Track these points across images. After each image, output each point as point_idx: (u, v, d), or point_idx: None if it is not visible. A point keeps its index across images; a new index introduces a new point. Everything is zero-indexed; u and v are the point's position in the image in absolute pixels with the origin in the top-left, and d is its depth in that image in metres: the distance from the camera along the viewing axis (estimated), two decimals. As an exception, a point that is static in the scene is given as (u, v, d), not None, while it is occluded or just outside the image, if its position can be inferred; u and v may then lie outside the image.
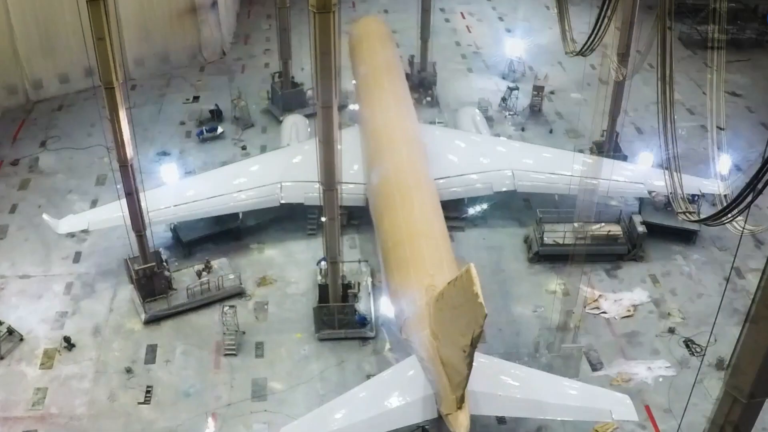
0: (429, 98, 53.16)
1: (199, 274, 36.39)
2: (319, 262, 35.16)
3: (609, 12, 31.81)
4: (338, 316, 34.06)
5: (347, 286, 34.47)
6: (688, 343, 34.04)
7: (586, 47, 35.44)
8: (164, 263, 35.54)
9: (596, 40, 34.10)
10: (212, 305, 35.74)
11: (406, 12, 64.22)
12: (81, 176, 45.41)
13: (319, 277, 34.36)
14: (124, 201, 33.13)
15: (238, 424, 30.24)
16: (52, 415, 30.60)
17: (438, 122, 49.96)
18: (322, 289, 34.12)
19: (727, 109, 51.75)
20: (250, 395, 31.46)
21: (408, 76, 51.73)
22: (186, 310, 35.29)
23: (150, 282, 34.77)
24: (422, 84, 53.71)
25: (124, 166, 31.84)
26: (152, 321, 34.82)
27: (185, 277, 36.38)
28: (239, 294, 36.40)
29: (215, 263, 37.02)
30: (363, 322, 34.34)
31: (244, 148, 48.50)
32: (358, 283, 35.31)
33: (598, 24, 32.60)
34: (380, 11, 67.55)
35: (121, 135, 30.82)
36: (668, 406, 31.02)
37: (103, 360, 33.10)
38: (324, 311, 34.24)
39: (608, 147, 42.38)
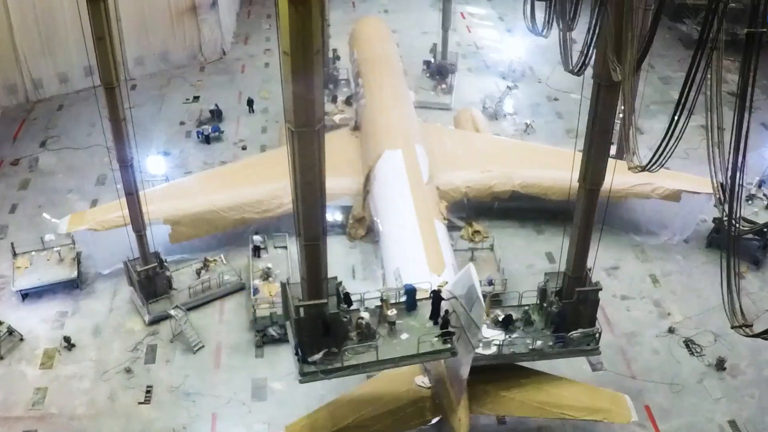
0: (444, 86, 53.54)
1: (198, 273, 36.45)
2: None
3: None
4: None
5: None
6: (688, 343, 34.06)
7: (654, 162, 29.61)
8: (164, 263, 35.49)
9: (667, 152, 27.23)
10: (213, 303, 35.84)
11: (406, 12, 64.42)
12: (81, 176, 45.44)
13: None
14: (124, 200, 33.08)
15: (238, 424, 30.25)
16: (52, 415, 30.59)
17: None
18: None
19: (727, 110, 52.08)
20: (250, 395, 31.47)
21: (429, 64, 53.51)
22: (188, 309, 35.13)
23: (152, 283, 34.69)
24: (440, 72, 53.97)
25: (125, 166, 31.82)
26: (155, 322, 34.74)
27: (184, 276, 36.43)
28: (240, 289, 36.37)
29: (215, 260, 37.13)
30: None
31: (244, 148, 48.50)
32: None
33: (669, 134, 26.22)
34: (380, 11, 67.56)
35: (121, 135, 30.80)
36: (668, 406, 31.07)
37: (103, 360, 33.10)
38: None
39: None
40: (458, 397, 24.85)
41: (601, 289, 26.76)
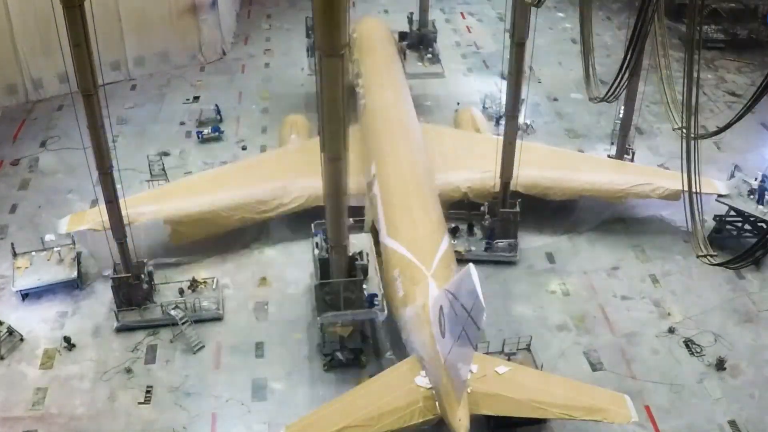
0: (430, 55, 52.46)
1: (181, 292, 35.31)
2: (316, 234, 31.60)
3: (633, 57, 30.51)
4: (344, 294, 29.61)
5: (353, 259, 30.11)
6: (688, 343, 34.05)
7: (610, 94, 34.56)
8: (144, 275, 34.51)
9: (620, 86, 33.05)
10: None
11: (406, 12, 64.12)
12: (81, 176, 45.28)
13: (316, 251, 30.55)
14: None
15: (238, 424, 30.24)
16: (52, 415, 30.59)
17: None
18: (324, 264, 29.87)
19: (727, 110, 52.00)
20: (250, 395, 31.48)
21: (406, 35, 52.27)
22: (159, 325, 34.32)
23: (127, 291, 34.13)
24: (422, 41, 52.69)
25: (104, 173, 31.44)
26: (124, 330, 34.33)
27: (170, 291, 35.40)
28: (216, 319, 34.89)
29: (204, 282, 36.03)
30: (372, 301, 30.02)
31: (244, 148, 48.50)
32: (366, 254, 31.00)
33: (623, 70, 31.31)
34: (380, 11, 67.53)
35: (100, 142, 30.45)
36: (668, 406, 31.06)
37: (103, 360, 33.10)
38: (326, 289, 29.84)
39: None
40: (458, 397, 24.86)
41: (518, 211, 37.43)
